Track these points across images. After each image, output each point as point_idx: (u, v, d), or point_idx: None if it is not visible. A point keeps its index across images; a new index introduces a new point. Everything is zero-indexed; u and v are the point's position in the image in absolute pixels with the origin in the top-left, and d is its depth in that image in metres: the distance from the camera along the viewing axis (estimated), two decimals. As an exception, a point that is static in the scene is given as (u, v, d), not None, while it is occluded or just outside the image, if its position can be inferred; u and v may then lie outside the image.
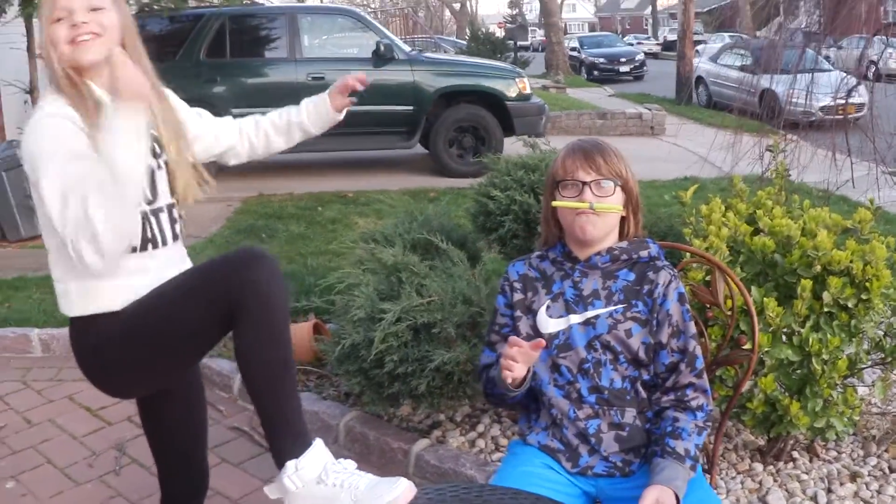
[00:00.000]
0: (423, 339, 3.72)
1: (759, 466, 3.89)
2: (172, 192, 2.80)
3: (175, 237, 2.81)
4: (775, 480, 3.80)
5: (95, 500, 4.18)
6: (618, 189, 2.78)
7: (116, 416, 4.85)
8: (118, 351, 2.64)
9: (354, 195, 10.40)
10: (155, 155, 2.75)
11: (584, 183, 2.74)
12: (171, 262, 2.78)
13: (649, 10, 70.89)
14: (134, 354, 2.65)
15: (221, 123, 3.20)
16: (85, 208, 2.36)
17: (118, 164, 2.41)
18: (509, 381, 2.65)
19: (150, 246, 2.69)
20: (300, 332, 5.03)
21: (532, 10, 63.60)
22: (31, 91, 9.52)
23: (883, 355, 3.74)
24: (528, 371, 2.68)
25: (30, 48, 9.39)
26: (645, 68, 36.77)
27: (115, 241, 2.41)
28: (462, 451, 4.06)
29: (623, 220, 2.84)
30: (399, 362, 3.70)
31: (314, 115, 3.21)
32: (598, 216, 2.73)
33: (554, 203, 2.80)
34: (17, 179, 9.09)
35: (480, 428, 4.22)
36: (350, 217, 8.86)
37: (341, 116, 3.25)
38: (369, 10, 38.93)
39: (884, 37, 8.54)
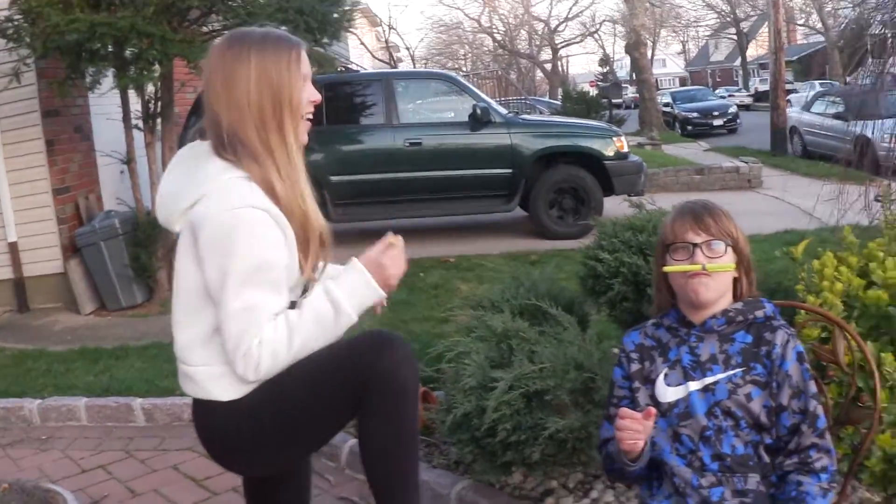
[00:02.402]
0: (535, 406, 3.68)
1: (878, 524, 3.78)
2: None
3: None
4: (896, 539, 3.68)
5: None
6: (729, 249, 2.75)
7: (222, 486, 4.82)
8: (252, 429, 2.64)
9: (456, 260, 10.37)
10: None
11: (695, 245, 2.72)
12: None
13: (738, 61, 70.47)
14: (264, 434, 2.65)
15: None
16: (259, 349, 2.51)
17: (312, 345, 2.57)
18: (627, 450, 2.63)
19: None
20: (408, 401, 5.01)
21: (622, 67, 63.71)
22: (129, 162, 9.63)
23: None
24: (646, 443, 2.64)
25: (126, 119, 9.50)
26: (738, 121, 36.43)
27: (275, 367, 2.55)
28: (576, 518, 4.01)
29: (735, 280, 2.81)
30: (512, 430, 3.67)
31: None
32: (711, 278, 2.71)
33: (665, 268, 2.78)
34: (117, 249, 9.35)
35: (594, 494, 4.14)
36: (452, 282, 8.84)
37: None
38: (461, 73, 39.28)
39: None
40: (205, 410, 2.70)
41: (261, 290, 2.50)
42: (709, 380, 2.71)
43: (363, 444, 2.62)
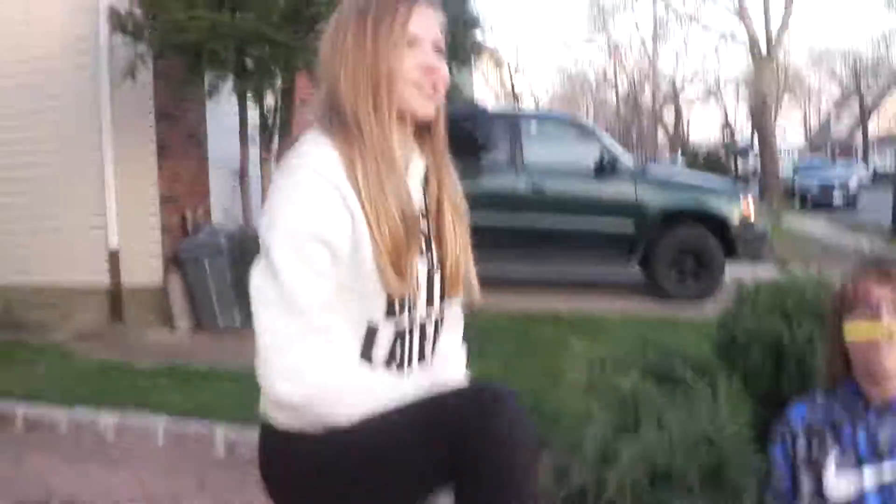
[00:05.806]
0: (658, 485, 3.25)
1: None
2: (431, 300, 2.26)
3: (422, 357, 2.28)
4: None
5: None
6: None
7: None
8: (315, 472, 2.12)
9: (569, 315, 9.71)
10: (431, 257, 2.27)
11: (881, 305, 2.25)
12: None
13: (860, 136, 69.27)
14: (330, 483, 2.10)
15: None
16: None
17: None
18: None
19: (394, 365, 2.19)
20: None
21: (742, 135, 62.82)
22: (242, 177, 9.39)
23: None
24: None
25: (242, 130, 9.21)
26: (858, 197, 35.55)
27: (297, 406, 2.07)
28: None
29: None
30: (632, 511, 3.24)
31: None
32: (902, 345, 2.23)
33: (849, 336, 2.31)
34: (220, 267, 9.06)
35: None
36: (565, 338, 8.46)
37: None
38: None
39: None
40: (263, 434, 2.23)
41: (298, 260, 2.00)
42: (888, 471, 2.24)
43: None
